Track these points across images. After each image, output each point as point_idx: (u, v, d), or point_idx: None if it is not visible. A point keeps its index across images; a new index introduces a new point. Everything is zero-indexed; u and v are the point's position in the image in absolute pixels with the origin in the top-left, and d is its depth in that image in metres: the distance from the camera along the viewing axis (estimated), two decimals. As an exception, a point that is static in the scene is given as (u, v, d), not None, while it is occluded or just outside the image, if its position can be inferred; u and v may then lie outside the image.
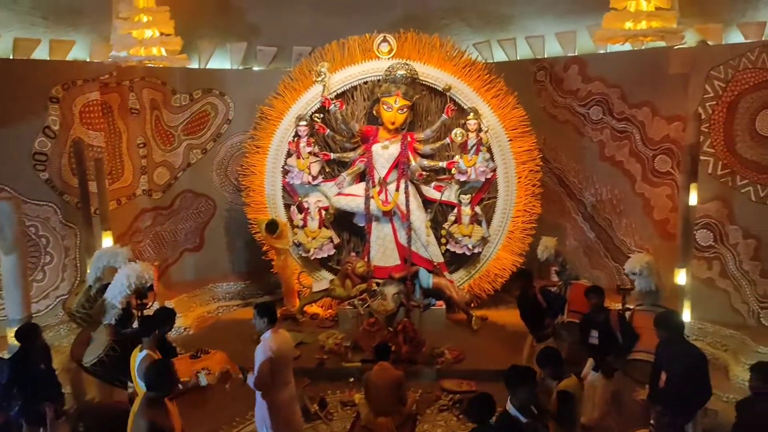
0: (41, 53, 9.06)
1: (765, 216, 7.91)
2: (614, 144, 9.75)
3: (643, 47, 9.34)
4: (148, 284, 6.47)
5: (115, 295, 6.31)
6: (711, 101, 8.32)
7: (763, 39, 8.05)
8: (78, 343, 6.35)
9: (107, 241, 8.53)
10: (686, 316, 7.62)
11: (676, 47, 8.77)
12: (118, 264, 6.64)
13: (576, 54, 10.24)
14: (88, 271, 6.84)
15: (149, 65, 9.95)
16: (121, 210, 9.68)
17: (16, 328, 5.91)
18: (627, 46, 9.45)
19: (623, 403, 6.06)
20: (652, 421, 4.48)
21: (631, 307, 7.05)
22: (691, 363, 4.98)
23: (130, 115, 9.85)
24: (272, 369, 5.09)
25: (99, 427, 5.78)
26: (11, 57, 8.69)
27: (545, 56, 10.54)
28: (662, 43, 8.97)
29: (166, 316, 5.90)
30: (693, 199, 7.70)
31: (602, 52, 9.89)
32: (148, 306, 6.72)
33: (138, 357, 5.14)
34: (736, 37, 8.40)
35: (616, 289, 7.65)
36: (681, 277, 7.64)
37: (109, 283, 6.43)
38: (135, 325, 6.51)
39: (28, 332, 5.68)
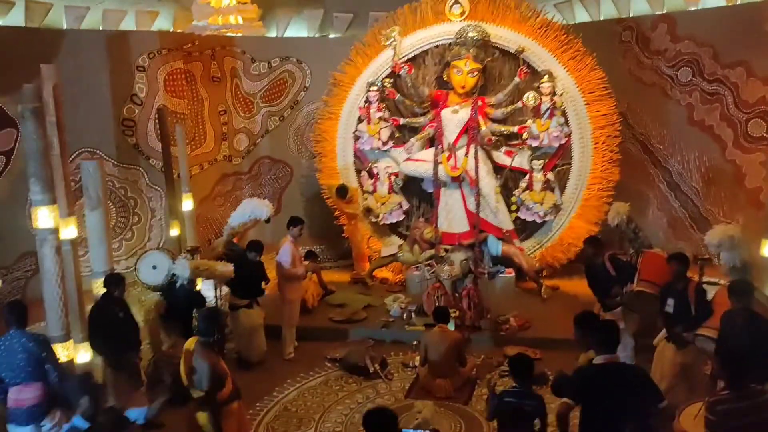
0: (128, 24, 9.56)
1: None
2: (704, 107, 9.13)
3: (738, 2, 8.59)
4: (265, 217, 7.92)
5: (239, 221, 7.85)
6: (814, 58, 7.60)
7: None
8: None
9: (187, 203, 8.97)
10: (779, 291, 7.04)
11: (775, 0, 8.03)
12: (261, 216, 7.82)
13: (665, 11, 9.58)
14: (232, 214, 8.07)
15: (228, 34, 10.28)
16: (203, 175, 10.14)
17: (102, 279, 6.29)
18: (721, 2, 8.73)
19: (693, 376, 5.71)
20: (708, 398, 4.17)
21: (713, 280, 6.63)
22: (756, 334, 4.66)
23: (212, 83, 10.25)
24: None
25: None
26: (101, 28, 9.22)
27: (631, 15, 9.94)
28: (760, -4, 8.22)
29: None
30: (786, 164, 7.07)
31: (693, 9, 9.21)
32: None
33: None
34: None
35: (693, 260, 7.22)
36: (769, 249, 7.08)
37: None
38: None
39: (118, 280, 6.02)
